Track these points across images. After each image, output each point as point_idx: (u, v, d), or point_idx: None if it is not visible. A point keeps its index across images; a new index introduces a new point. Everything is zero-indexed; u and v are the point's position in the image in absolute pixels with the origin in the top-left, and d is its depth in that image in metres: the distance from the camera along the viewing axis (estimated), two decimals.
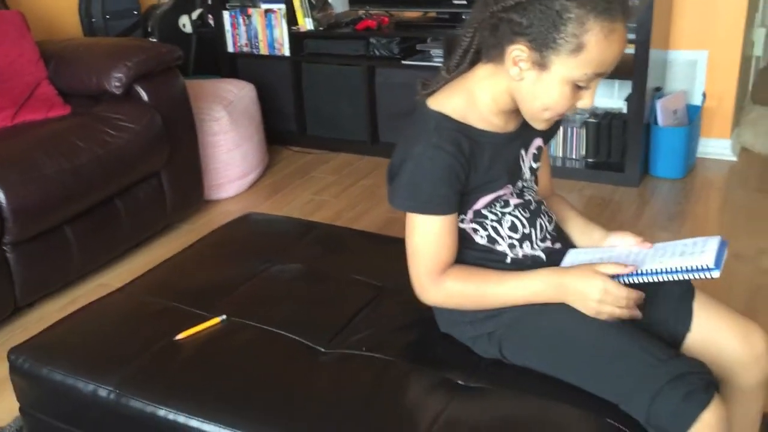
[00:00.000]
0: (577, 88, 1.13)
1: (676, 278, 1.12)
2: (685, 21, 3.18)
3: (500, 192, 1.24)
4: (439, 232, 1.19)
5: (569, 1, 1.06)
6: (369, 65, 3.45)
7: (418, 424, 1.12)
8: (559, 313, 1.19)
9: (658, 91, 3.16)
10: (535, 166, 1.32)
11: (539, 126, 1.21)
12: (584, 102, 1.15)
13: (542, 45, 1.09)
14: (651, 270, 1.14)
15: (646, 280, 1.15)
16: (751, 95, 3.92)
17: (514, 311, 1.22)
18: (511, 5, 1.09)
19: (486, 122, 1.21)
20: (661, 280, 1.14)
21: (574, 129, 3.23)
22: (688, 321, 1.26)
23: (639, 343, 1.14)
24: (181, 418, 1.19)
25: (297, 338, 1.33)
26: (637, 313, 1.17)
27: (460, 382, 1.21)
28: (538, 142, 1.32)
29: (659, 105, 3.09)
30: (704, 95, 3.22)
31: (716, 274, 1.08)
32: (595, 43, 1.07)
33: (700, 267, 1.09)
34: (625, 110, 3.14)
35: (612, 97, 3.41)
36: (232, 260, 1.65)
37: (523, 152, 1.28)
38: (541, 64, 1.11)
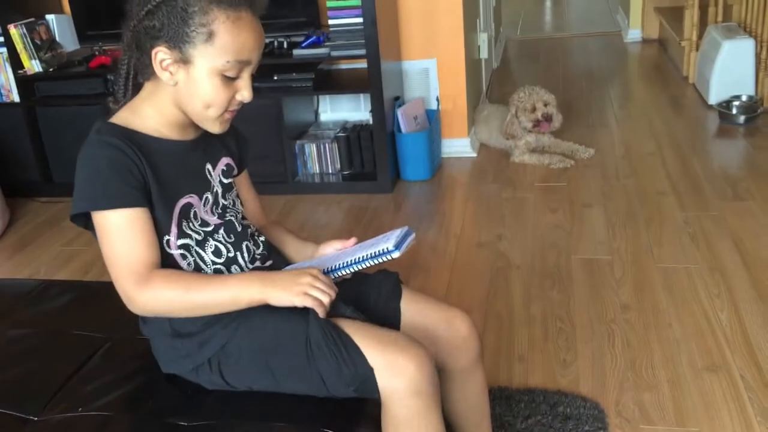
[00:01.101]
0: (229, 79, 1.18)
1: (367, 265, 1.21)
2: (412, 33, 3.40)
3: (186, 199, 1.23)
4: (127, 227, 1.14)
5: None
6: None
7: None
8: (264, 323, 1.21)
9: (398, 100, 3.34)
10: (225, 181, 1.32)
11: (213, 128, 1.23)
12: (242, 94, 1.20)
13: (178, 41, 1.14)
14: (341, 264, 1.23)
15: (340, 274, 1.24)
16: (486, 95, 4.29)
17: (224, 332, 1.21)
18: (143, 15, 1.15)
19: (155, 132, 1.22)
20: (356, 269, 1.23)
21: (326, 144, 3.32)
22: (397, 319, 1.34)
23: (323, 328, 1.18)
24: None
25: (4, 411, 1.23)
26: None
27: (182, 423, 1.18)
28: (226, 160, 1.34)
29: (400, 113, 3.27)
30: (438, 99, 3.46)
31: (396, 254, 1.18)
32: (225, 30, 1.14)
33: (382, 251, 1.19)
34: (371, 121, 3.28)
35: (360, 110, 3.56)
36: None
37: (210, 165, 1.30)
38: (185, 60, 1.15)
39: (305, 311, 1.18)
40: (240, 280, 1.19)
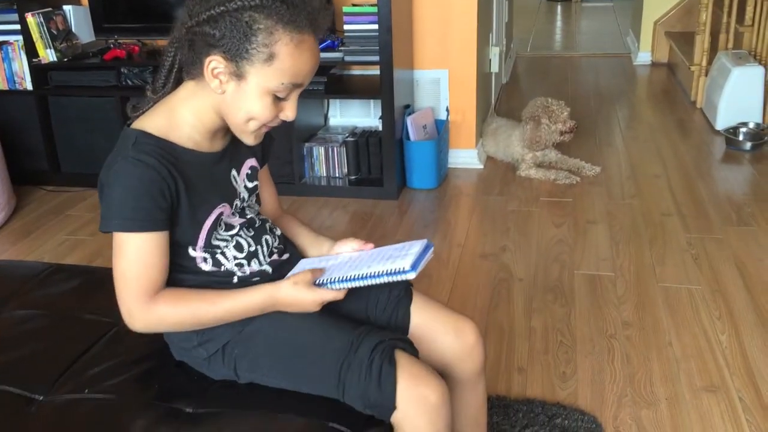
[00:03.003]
0: (278, 99, 1.16)
1: (379, 281, 1.19)
2: (426, 43, 3.43)
3: (218, 211, 1.24)
4: (145, 251, 1.15)
5: (257, 12, 1.09)
6: (122, 95, 3.31)
7: None
8: (289, 322, 1.23)
9: (408, 108, 3.36)
10: (250, 185, 1.33)
11: (248, 140, 1.22)
12: (286, 114, 1.19)
13: (236, 55, 1.11)
14: (356, 276, 1.20)
15: (352, 285, 1.21)
16: (495, 108, 4.31)
17: (249, 324, 1.23)
18: (203, 19, 1.11)
19: (190, 141, 1.21)
20: (366, 284, 1.20)
21: (335, 148, 3.34)
22: (406, 323, 1.34)
23: (340, 334, 1.20)
24: None
25: (11, 389, 1.24)
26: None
27: (188, 410, 1.18)
28: (251, 162, 1.34)
29: (409, 121, 3.28)
30: (448, 110, 3.48)
31: (412, 275, 1.16)
32: (286, 53, 1.11)
33: (398, 270, 1.17)
34: (380, 128, 3.30)
35: (369, 116, 3.58)
36: None
37: (234, 172, 1.29)
38: (239, 75, 1.13)
39: (345, 322, 1.23)
40: (250, 297, 1.20)
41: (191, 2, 1.14)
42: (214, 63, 1.13)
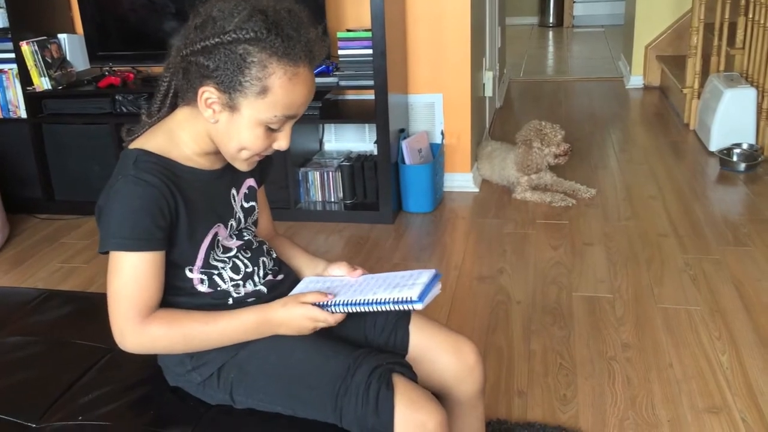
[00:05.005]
0: (271, 130, 1.16)
1: (384, 309, 1.16)
2: (420, 67, 3.44)
3: (213, 230, 1.23)
4: (141, 271, 1.13)
5: (251, 45, 1.09)
6: (117, 123, 3.31)
7: None
8: (285, 346, 1.21)
9: (403, 132, 3.37)
10: (246, 205, 1.32)
11: (241, 167, 1.22)
12: (280, 144, 1.19)
13: (229, 87, 1.11)
14: (361, 300, 1.18)
15: (356, 310, 1.18)
16: (489, 132, 4.32)
17: (244, 347, 1.21)
18: (198, 49, 1.11)
19: (190, 160, 1.21)
20: (371, 310, 1.17)
21: (330, 173, 3.34)
22: (405, 343, 1.33)
23: (338, 358, 1.18)
24: None
25: (3, 417, 1.21)
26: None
27: None
28: (250, 182, 1.34)
29: (404, 145, 3.29)
30: (443, 134, 3.49)
31: (419, 306, 1.14)
32: (279, 86, 1.10)
33: (405, 299, 1.14)
34: (375, 152, 3.30)
35: (364, 141, 3.58)
36: None
37: (234, 191, 1.29)
38: (231, 106, 1.13)
39: (343, 344, 1.21)
40: (244, 319, 1.19)
41: (188, 30, 1.14)
42: (207, 93, 1.13)
